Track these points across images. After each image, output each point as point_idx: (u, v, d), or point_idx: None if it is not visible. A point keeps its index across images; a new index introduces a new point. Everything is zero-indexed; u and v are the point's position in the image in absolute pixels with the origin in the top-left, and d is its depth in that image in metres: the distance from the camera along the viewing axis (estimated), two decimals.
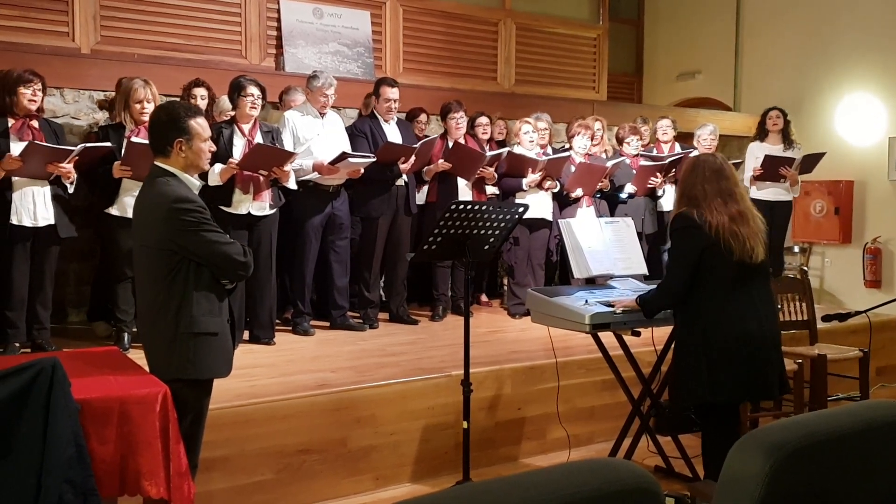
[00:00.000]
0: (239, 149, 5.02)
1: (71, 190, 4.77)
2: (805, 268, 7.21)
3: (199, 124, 3.03)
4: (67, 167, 4.64)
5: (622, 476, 1.05)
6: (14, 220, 4.59)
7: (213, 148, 3.22)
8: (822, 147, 7.79)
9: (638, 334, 3.81)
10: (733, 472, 1.23)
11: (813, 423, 1.30)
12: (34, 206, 4.64)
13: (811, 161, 7.12)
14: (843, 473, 1.31)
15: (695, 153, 6.92)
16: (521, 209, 3.80)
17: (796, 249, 9.25)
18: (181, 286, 2.91)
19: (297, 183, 5.26)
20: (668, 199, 6.82)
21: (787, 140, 7.17)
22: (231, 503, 3.72)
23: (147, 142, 4.52)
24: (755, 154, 7.05)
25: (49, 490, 2.35)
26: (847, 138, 8.87)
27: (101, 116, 5.76)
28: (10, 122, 4.64)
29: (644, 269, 4.40)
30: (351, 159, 5.25)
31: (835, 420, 1.34)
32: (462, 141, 6.22)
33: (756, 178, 6.96)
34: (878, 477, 1.36)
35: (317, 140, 5.41)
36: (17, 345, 4.67)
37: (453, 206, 3.53)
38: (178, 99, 5.53)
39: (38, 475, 2.36)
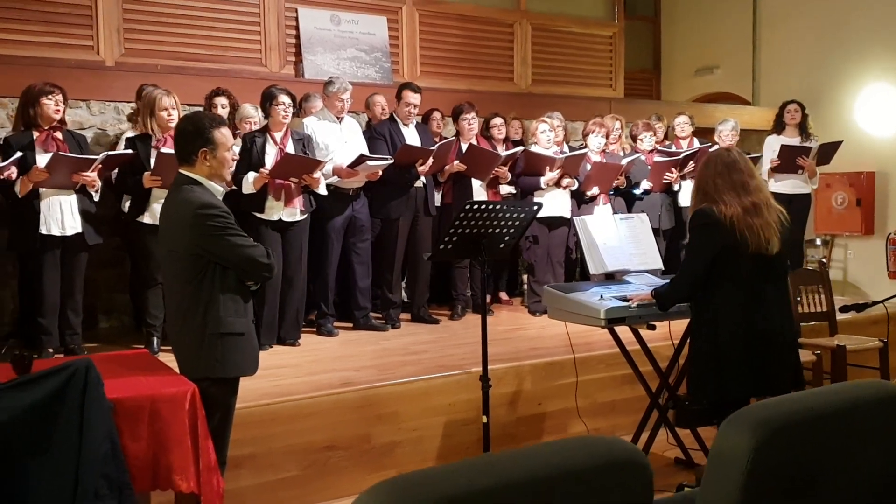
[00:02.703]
0: (271, 157, 5.15)
1: (96, 198, 4.92)
2: (823, 259, 7.20)
3: (223, 134, 3.13)
4: (92, 176, 4.79)
5: (613, 450, 1.13)
6: (43, 230, 4.74)
7: (237, 157, 3.32)
8: (843, 138, 7.75)
9: (653, 328, 3.86)
10: (722, 448, 1.31)
11: (798, 402, 1.37)
12: (62, 216, 4.79)
13: (828, 150, 7.10)
14: (828, 449, 1.37)
15: (714, 148, 6.94)
16: (535, 207, 3.87)
17: (818, 242, 9.23)
18: (208, 289, 3.01)
19: None
20: (685, 195, 6.85)
21: (804, 133, 7.17)
22: (259, 499, 3.82)
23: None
24: (772, 147, 7.06)
25: (86, 484, 2.47)
26: (867, 129, 8.84)
27: (127, 127, 5.91)
28: (35, 134, 4.80)
29: (659, 264, 4.44)
30: (369, 162, 5.36)
31: (820, 399, 1.40)
32: (475, 142, 6.30)
33: (774, 170, 6.97)
34: (861, 453, 1.42)
35: (346, 146, 5.52)
36: (51, 350, 4.81)
37: (468, 206, 3.62)
38: (201, 108, 5.71)
39: (75, 470, 2.48)
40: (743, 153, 3.53)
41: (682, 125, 7.23)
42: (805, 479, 1.35)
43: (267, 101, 5.19)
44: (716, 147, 6.85)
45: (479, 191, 6.21)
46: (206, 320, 3.02)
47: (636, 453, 1.16)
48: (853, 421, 1.41)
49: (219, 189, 3.16)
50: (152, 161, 4.89)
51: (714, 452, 1.33)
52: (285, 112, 5.16)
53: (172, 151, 4.73)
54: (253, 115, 5.51)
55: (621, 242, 4.31)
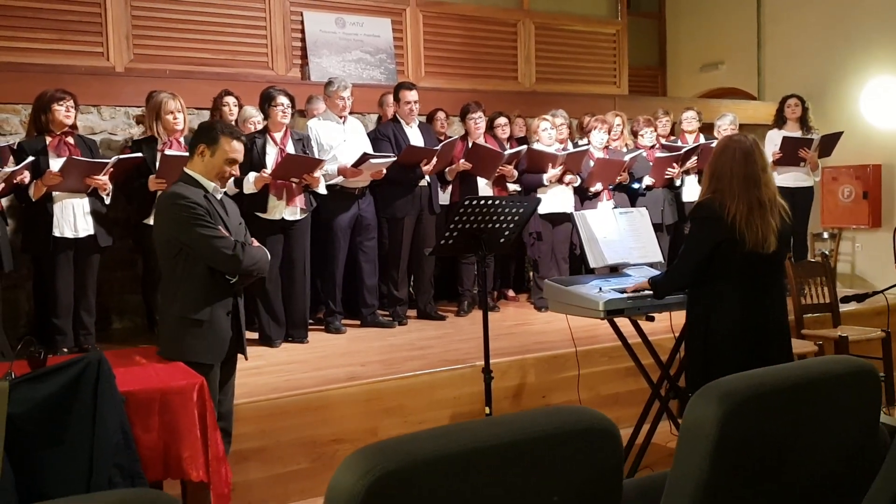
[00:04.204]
0: (272, 157, 5.25)
1: (107, 201, 5.04)
2: (826, 252, 7.24)
3: (231, 145, 3.29)
4: (103, 179, 4.91)
5: (581, 418, 1.21)
6: (56, 233, 4.87)
7: (236, 173, 3.46)
8: (849, 131, 7.79)
9: (652, 319, 3.92)
10: (691, 419, 1.38)
11: (766, 376, 1.44)
12: (74, 219, 4.92)
13: (829, 142, 7.14)
14: (795, 421, 1.44)
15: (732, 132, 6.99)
16: (534, 202, 3.94)
17: (825, 235, 9.26)
18: (179, 275, 3.25)
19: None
20: (687, 190, 6.91)
21: (805, 126, 7.20)
22: (268, 492, 3.92)
23: (179, 154, 4.83)
24: (774, 141, 7.10)
25: (100, 473, 2.57)
26: (873, 122, 8.86)
27: (137, 131, 6.03)
28: (48, 139, 4.92)
29: (659, 257, 4.49)
30: (372, 160, 5.45)
31: (788, 372, 1.47)
32: (482, 140, 6.39)
33: (776, 163, 7.00)
34: (828, 425, 1.49)
35: (345, 145, 5.62)
36: (66, 350, 4.93)
37: (466, 202, 3.70)
38: (209, 112, 5.83)
39: (89, 460, 2.58)
40: (759, 141, 3.51)
41: (690, 119, 7.30)
42: (772, 450, 1.42)
43: (266, 103, 5.29)
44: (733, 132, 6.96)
45: (484, 189, 6.29)
46: (171, 304, 3.27)
47: (604, 421, 1.23)
48: (821, 394, 1.48)
49: (210, 185, 3.31)
50: (157, 164, 5.01)
51: (684, 426, 1.40)
52: (284, 112, 5.27)
53: (177, 154, 4.89)
54: (255, 116, 5.63)
55: (621, 236, 4.37)
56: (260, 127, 5.49)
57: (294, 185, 5.24)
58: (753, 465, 1.41)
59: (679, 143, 7.19)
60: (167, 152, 4.97)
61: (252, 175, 5.15)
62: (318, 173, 5.25)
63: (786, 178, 7.01)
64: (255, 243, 3.46)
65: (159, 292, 3.42)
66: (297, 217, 5.33)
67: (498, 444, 1.12)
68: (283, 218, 5.27)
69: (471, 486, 1.12)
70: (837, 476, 1.52)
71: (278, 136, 5.32)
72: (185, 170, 3.32)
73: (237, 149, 3.32)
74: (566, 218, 6.40)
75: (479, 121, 6.35)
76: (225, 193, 3.46)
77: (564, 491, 1.19)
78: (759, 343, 3.36)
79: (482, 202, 3.76)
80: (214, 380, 3.32)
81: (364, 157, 5.43)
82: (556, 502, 1.15)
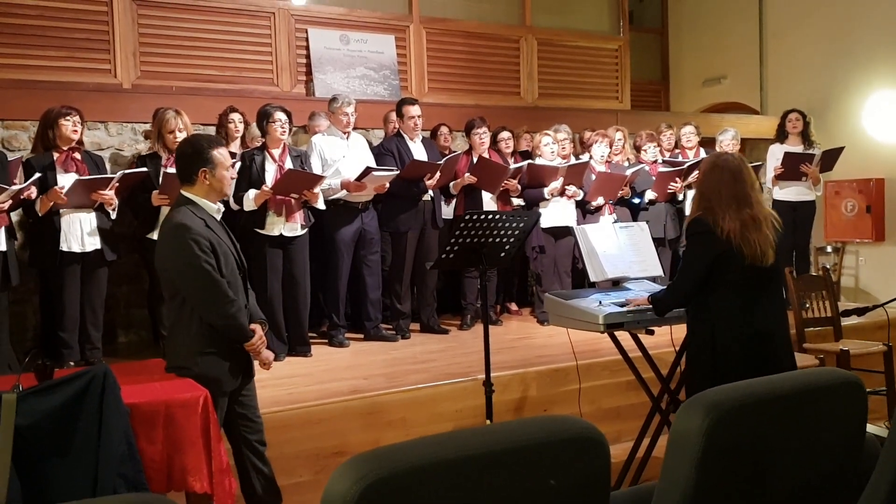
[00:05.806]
0: (271, 174, 5.30)
1: (113, 216, 5.10)
2: (827, 266, 7.26)
3: (222, 154, 3.28)
4: (109, 194, 4.97)
5: (569, 427, 1.25)
6: (64, 247, 4.93)
7: (235, 175, 3.46)
8: (851, 145, 7.83)
9: (651, 332, 3.95)
10: (680, 429, 1.42)
11: (751, 387, 1.48)
12: (82, 233, 4.98)
13: (831, 157, 7.18)
14: (780, 431, 1.47)
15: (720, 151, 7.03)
16: (534, 216, 3.99)
17: (829, 249, 9.28)
18: (189, 309, 3.16)
19: (328, 201, 5.54)
20: (689, 204, 6.94)
21: (806, 141, 7.24)
22: None
23: None
24: (776, 155, 7.14)
25: (104, 483, 2.61)
26: (876, 136, 8.90)
27: (144, 146, 6.10)
28: (55, 155, 4.99)
29: (660, 271, 4.52)
30: (375, 173, 5.50)
31: (773, 384, 1.51)
32: (486, 155, 6.44)
33: (777, 178, 7.05)
34: (813, 436, 1.53)
35: (344, 160, 5.68)
36: (72, 363, 4.98)
37: (467, 217, 3.75)
38: (215, 128, 5.90)
39: (94, 470, 2.62)
40: (745, 159, 3.58)
41: (688, 135, 7.33)
42: (758, 460, 1.45)
43: (263, 120, 5.34)
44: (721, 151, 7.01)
45: (489, 203, 6.34)
46: (185, 338, 3.19)
47: (592, 430, 1.27)
48: (806, 405, 1.51)
49: (213, 207, 3.27)
50: (160, 180, 5.07)
51: (672, 437, 1.44)
52: (282, 129, 5.31)
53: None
54: None
55: (621, 250, 4.40)
56: None
57: (294, 200, 5.29)
58: (739, 476, 1.44)
59: (680, 159, 7.23)
60: (169, 170, 5.03)
61: (252, 192, 5.20)
62: (317, 189, 5.31)
63: (788, 192, 7.04)
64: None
65: (167, 323, 3.32)
66: (297, 233, 5.38)
67: (489, 452, 1.16)
68: (281, 234, 5.32)
69: (462, 492, 1.16)
70: (824, 486, 1.56)
71: (276, 152, 5.37)
72: (187, 194, 3.23)
73: (227, 154, 3.32)
74: (568, 232, 6.42)
75: (483, 136, 6.41)
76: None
77: (553, 497, 1.23)
78: (764, 353, 3.38)
79: (482, 217, 3.80)
80: (225, 403, 3.29)
81: (367, 171, 5.48)
82: (554, 486, 1.19)
